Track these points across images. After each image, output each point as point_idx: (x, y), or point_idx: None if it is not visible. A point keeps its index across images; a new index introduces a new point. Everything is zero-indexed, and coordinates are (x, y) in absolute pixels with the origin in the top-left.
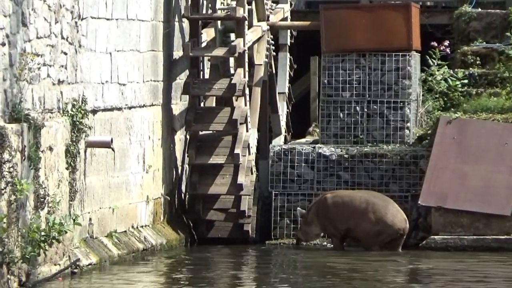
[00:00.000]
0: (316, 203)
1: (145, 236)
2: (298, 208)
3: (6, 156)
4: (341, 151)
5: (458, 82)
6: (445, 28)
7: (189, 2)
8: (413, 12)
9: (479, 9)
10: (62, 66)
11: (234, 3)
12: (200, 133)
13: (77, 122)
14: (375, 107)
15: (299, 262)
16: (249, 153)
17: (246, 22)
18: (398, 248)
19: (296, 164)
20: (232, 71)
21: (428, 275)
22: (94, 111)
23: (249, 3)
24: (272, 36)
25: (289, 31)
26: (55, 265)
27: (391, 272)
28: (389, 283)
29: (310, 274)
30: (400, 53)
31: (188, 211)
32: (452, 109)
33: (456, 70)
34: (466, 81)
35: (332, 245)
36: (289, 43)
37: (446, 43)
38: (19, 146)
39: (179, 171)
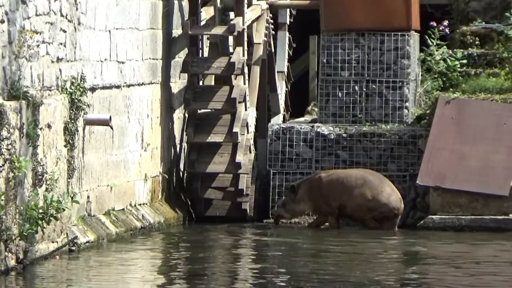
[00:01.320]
0: (308, 181)
1: (143, 214)
2: (293, 183)
3: (4, 133)
4: (340, 130)
5: (457, 62)
6: (444, 8)
7: None
8: None
9: None
10: (61, 43)
11: None
12: (199, 111)
13: (76, 100)
14: (373, 86)
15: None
16: (248, 132)
17: (246, 1)
18: (394, 228)
19: (294, 143)
20: (231, 49)
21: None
22: (92, 89)
23: None
24: (271, 15)
25: (288, 10)
26: (52, 242)
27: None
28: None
29: (302, 252)
30: (399, 33)
31: (186, 190)
32: (451, 89)
33: (455, 50)
34: (465, 61)
35: (314, 220)
36: (288, 22)
37: (445, 23)
38: (17, 123)
39: (178, 149)
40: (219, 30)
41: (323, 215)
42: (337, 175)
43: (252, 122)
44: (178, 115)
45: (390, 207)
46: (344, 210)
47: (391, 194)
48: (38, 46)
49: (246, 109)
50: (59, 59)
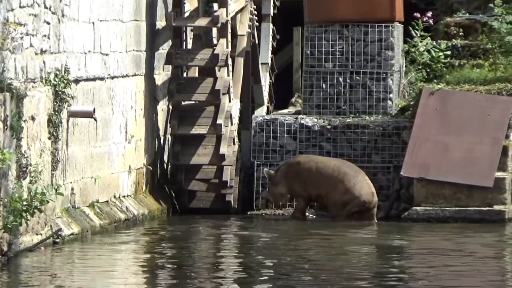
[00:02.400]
0: (286, 165)
1: (127, 206)
2: (265, 169)
3: None
4: (324, 122)
5: (441, 54)
6: None
7: None
8: None
9: None
10: (45, 35)
11: None
12: (183, 103)
13: (60, 92)
14: (357, 78)
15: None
16: (232, 124)
17: None
18: (373, 219)
19: (278, 134)
20: (215, 41)
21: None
22: (76, 81)
23: None
24: (255, 7)
25: (272, 1)
26: (36, 234)
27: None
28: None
29: (286, 247)
30: (383, 24)
31: (170, 181)
32: (435, 80)
33: (439, 41)
34: (449, 52)
35: (294, 208)
36: (272, 14)
37: (429, 14)
38: (1, 115)
39: (162, 141)
40: (202, 21)
41: (296, 197)
42: (315, 163)
43: (236, 113)
44: (162, 107)
45: (361, 201)
46: (321, 200)
47: (363, 187)
48: (22, 38)
49: (230, 101)
50: (43, 51)
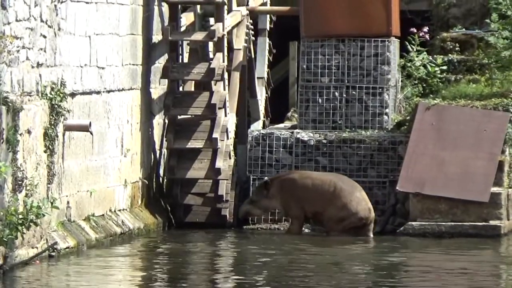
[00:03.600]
0: (280, 180)
1: (123, 220)
2: (266, 178)
3: None
4: (320, 136)
5: (437, 68)
6: (424, 14)
7: None
8: None
9: None
10: (41, 49)
11: None
12: (179, 117)
13: (56, 105)
14: (353, 92)
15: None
16: (227, 138)
17: (226, 7)
18: (369, 234)
19: (274, 149)
20: (211, 55)
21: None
22: (72, 95)
23: None
24: (251, 21)
25: (268, 16)
26: (32, 248)
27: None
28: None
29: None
30: (379, 39)
31: (165, 195)
32: (431, 95)
33: (435, 56)
34: (445, 67)
35: (288, 227)
36: (268, 28)
37: (426, 29)
38: None
39: (157, 155)
40: (199, 36)
41: (290, 216)
42: (311, 180)
43: (232, 128)
44: (158, 120)
45: (358, 217)
46: (318, 217)
47: (359, 203)
48: (18, 51)
49: (226, 115)
50: (39, 65)
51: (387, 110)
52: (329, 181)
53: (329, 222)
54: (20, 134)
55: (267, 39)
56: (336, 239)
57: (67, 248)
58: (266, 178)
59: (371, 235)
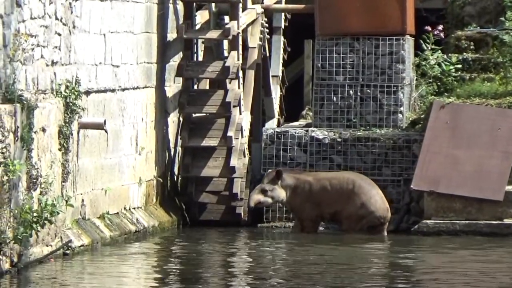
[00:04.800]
0: (295, 178)
1: (137, 218)
2: (280, 169)
3: None
4: (334, 134)
5: (451, 67)
6: (439, 12)
7: None
8: None
9: None
10: (56, 47)
11: None
12: (193, 115)
13: (70, 103)
14: (368, 91)
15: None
16: (242, 136)
17: (240, 5)
18: (383, 232)
19: (289, 147)
20: (226, 53)
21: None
22: (87, 93)
23: None
24: (266, 19)
25: (283, 14)
26: (47, 246)
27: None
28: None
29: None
30: (394, 37)
31: (180, 194)
32: (446, 94)
33: (449, 54)
34: (459, 66)
35: (294, 227)
36: (283, 26)
37: (440, 27)
38: (12, 126)
39: (172, 153)
40: (214, 34)
41: (302, 217)
42: (328, 180)
43: (246, 126)
44: (173, 119)
45: (377, 216)
46: (339, 216)
47: (378, 201)
48: (32, 49)
49: (240, 113)
50: (53, 63)
51: (401, 109)
52: (346, 179)
53: (348, 220)
54: (35, 132)
55: (282, 37)
56: (351, 237)
57: (81, 246)
58: (279, 168)
59: (385, 234)
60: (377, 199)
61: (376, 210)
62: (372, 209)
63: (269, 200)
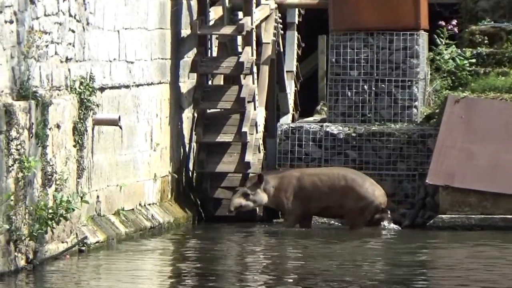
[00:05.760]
0: (278, 178)
1: (153, 214)
2: (261, 173)
3: (13, 133)
4: (349, 129)
5: (466, 61)
6: (453, 7)
7: None
8: None
9: None
10: (70, 43)
11: None
12: (208, 111)
13: (85, 100)
14: (383, 86)
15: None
16: (257, 132)
17: (254, 0)
18: (390, 222)
19: (303, 142)
20: (240, 49)
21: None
22: (101, 89)
23: None
24: (280, 15)
25: (297, 9)
26: (62, 242)
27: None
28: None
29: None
30: (408, 32)
31: (195, 189)
32: (460, 88)
33: (464, 49)
34: (474, 60)
35: (284, 223)
36: (297, 22)
37: (454, 22)
38: (26, 123)
39: (187, 149)
40: (227, 30)
41: (286, 212)
42: (318, 176)
43: (261, 121)
44: (187, 114)
45: (377, 203)
46: (331, 211)
47: (375, 189)
48: (47, 46)
49: (255, 109)
50: (68, 59)
51: (416, 103)
52: (337, 175)
53: (351, 215)
54: (50, 129)
55: (296, 33)
56: (362, 232)
57: (97, 242)
58: (260, 172)
59: (393, 225)
60: (373, 188)
61: (374, 198)
62: (370, 198)
63: (251, 204)
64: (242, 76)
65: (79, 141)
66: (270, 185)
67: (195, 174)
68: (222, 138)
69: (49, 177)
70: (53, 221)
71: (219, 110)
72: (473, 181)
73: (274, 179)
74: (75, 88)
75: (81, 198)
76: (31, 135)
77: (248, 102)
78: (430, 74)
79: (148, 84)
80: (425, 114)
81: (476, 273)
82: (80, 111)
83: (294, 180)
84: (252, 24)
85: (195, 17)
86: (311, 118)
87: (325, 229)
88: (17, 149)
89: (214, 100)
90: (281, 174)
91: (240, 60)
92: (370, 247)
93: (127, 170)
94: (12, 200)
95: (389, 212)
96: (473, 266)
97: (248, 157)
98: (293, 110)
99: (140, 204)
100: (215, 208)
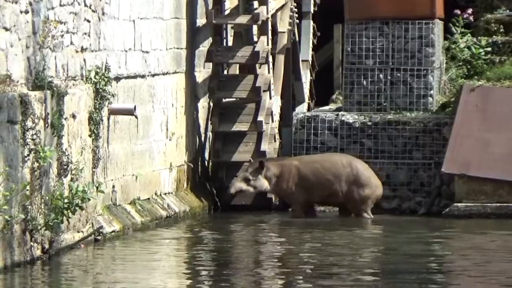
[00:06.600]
0: (279, 166)
1: (168, 203)
2: (262, 160)
3: (29, 123)
4: (364, 118)
5: (481, 50)
6: None
7: None
8: None
9: None
10: (85, 33)
11: None
12: (224, 100)
13: (100, 90)
14: (398, 74)
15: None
16: (272, 121)
17: None
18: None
19: (319, 131)
20: (255, 38)
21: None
22: (117, 79)
23: None
24: (295, 4)
25: None
26: (78, 232)
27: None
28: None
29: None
30: (424, 21)
31: (211, 179)
32: (476, 77)
33: (479, 38)
34: (489, 49)
35: (291, 213)
36: (312, 11)
37: (470, 11)
38: (42, 113)
39: (203, 138)
40: (243, 19)
41: (291, 202)
42: (320, 164)
43: (276, 110)
44: (203, 104)
45: (378, 193)
46: (333, 199)
47: (376, 178)
48: (62, 36)
49: (270, 98)
50: (83, 49)
51: (431, 92)
52: (340, 161)
53: (356, 203)
54: (65, 119)
55: (311, 22)
56: (376, 220)
57: (112, 232)
58: (260, 159)
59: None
60: (375, 176)
61: (376, 187)
62: (374, 187)
63: (251, 189)
64: (257, 66)
65: (95, 131)
66: (271, 173)
67: (211, 163)
68: (237, 127)
69: (65, 167)
70: (68, 211)
71: (234, 99)
72: (489, 170)
73: (275, 167)
74: (91, 78)
75: (97, 187)
76: (46, 125)
77: (264, 91)
78: (446, 62)
79: (163, 74)
80: (440, 102)
81: (492, 262)
82: (96, 101)
83: (294, 169)
84: (267, 13)
85: (210, 6)
86: (326, 107)
87: (328, 218)
88: (32, 139)
89: (229, 89)
90: (281, 162)
91: (256, 49)
92: (387, 236)
93: (143, 160)
94: (27, 190)
95: None
96: (488, 255)
97: (264, 146)
98: (308, 99)
99: (156, 194)
100: (231, 197)
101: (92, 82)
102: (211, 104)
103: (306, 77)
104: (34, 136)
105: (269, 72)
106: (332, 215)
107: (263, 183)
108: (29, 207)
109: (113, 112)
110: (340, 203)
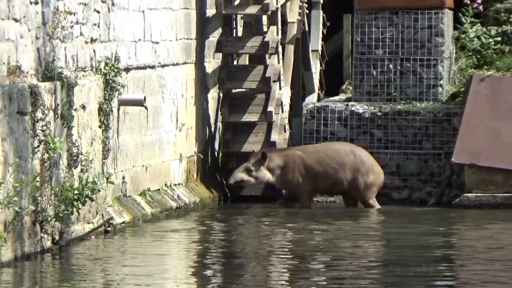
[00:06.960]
0: (282, 156)
1: (178, 194)
2: (265, 150)
3: (39, 114)
4: (374, 108)
5: (491, 40)
6: None
7: None
8: None
9: None
10: (95, 24)
11: None
12: (233, 91)
13: (110, 81)
14: (408, 64)
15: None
16: (282, 111)
17: None
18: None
19: (329, 121)
20: (265, 29)
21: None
22: (127, 69)
23: None
24: None
25: None
26: (88, 223)
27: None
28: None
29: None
30: (433, 11)
31: (221, 169)
32: (485, 67)
33: (489, 27)
34: (499, 38)
35: (299, 203)
36: (322, 1)
37: (479, 0)
38: (52, 104)
39: (212, 129)
40: (253, 9)
41: (297, 193)
42: (323, 153)
43: (286, 101)
44: (213, 94)
45: (382, 179)
46: (337, 187)
47: (378, 166)
48: (72, 27)
49: (280, 88)
50: (93, 40)
51: (441, 82)
52: (343, 150)
53: (361, 192)
54: (75, 110)
55: (321, 12)
56: (380, 211)
57: (122, 223)
58: (264, 150)
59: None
60: (376, 163)
61: (379, 174)
62: (378, 174)
63: (252, 180)
64: (267, 56)
65: (105, 122)
66: (274, 164)
67: (221, 154)
68: (247, 118)
69: (75, 158)
70: (79, 202)
71: (244, 90)
72: (499, 160)
73: (278, 158)
74: (100, 69)
75: (107, 179)
76: (56, 116)
77: (274, 81)
78: (455, 52)
79: (173, 65)
80: (450, 92)
81: (503, 251)
82: (106, 92)
83: (298, 159)
84: (277, 3)
85: None
86: (336, 97)
87: (336, 208)
88: (42, 130)
89: (239, 80)
90: (285, 153)
91: (265, 39)
92: (399, 226)
93: (153, 151)
94: (37, 181)
95: None
96: (499, 244)
97: (274, 136)
98: (318, 89)
99: (166, 185)
100: (241, 188)
101: (102, 73)
102: (221, 94)
103: (316, 67)
104: (44, 127)
105: (279, 63)
106: (341, 205)
107: (265, 174)
108: (39, 198)
109: (123, 103)
110: (344, 191)
